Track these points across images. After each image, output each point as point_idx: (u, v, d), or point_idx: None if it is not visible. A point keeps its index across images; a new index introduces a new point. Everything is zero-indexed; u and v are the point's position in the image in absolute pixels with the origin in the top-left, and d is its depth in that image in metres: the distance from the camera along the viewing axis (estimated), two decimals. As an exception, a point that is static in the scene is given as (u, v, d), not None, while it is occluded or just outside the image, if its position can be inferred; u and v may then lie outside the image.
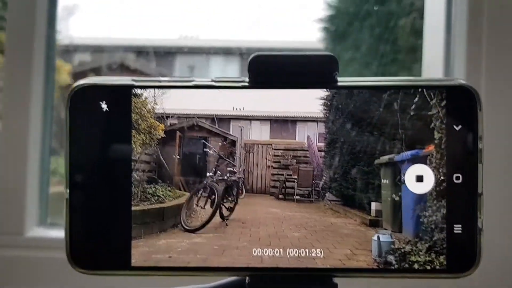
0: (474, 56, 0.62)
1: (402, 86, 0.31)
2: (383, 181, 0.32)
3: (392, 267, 0.31)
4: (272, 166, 0.35)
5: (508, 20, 0.62)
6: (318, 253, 0.32)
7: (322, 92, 0.32)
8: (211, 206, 0.34)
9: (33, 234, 0.67)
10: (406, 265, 0.31)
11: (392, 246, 0.31)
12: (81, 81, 0.31)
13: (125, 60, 0.92)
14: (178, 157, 0.34)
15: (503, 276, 0.61)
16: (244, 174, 0.35)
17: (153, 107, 0.32)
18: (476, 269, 0.30)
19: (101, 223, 0.31)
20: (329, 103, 0.32)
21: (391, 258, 0.31)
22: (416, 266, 0.31)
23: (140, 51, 0.93)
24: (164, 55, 0.95)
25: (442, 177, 0.31)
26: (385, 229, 0.32)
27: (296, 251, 0.32)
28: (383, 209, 0.32)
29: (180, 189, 0.34)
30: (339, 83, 0.31)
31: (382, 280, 0.32)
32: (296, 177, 0.35)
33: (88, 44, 0.93)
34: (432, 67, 0.70)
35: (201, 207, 0.34)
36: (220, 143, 0.35)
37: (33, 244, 0.65)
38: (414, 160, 0.31)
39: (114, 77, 0.32)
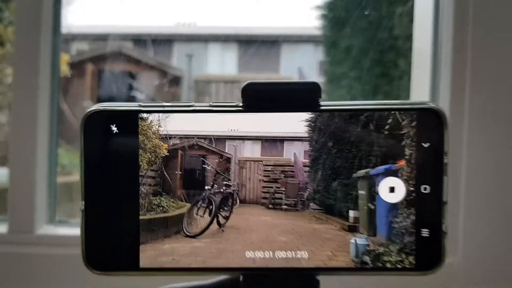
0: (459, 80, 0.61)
1: (377, 109, 0.32)
2: (360, 192, 0.33)
3: (368, 266, 0.32)
4: (263, 180, 0.36)
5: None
6: (303, 255, 0.33)
7: (307, 115, 0.32)
8: (209, 215, 0.35)
9: (43, 232, 0.66)
10: (380, 264, 0.32)
11: (368, 248, 0.32)
12: (94, 107, 0.32)
13: (122, 48, 0.88)
14: (180, 172, 0.34)
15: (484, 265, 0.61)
16: (238, 187, 0.35)
17: (157, 129, 0.32)
18: (441, 268, 0.32)
19: (113, 230, 0.32)
20: (313, 125, 0.33)
21: (366, 258, 0.32)
22: (388, 265, 0.32)
23: (138, 39, 0.88)
24: (162, 42, 0.91)
25: (411, 188, 0.32)
26: (361, 233, 0.33)
27: (284, 253, 0.33)
28: (360, 216, 0.33)
29: (182, 201, 0.34)
30: (322, 107, 0.32)
31: (359, 277, 0.33)
32: (284, 189, 0.36)
33: (85, 33, 0.88)
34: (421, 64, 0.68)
35: (201, 216, 0.35)
36: (217, 160, 0.35)
37: (44, 242, 0.64)
38: (387, 173, 0.32)
39: (122, 103, 0.32)
